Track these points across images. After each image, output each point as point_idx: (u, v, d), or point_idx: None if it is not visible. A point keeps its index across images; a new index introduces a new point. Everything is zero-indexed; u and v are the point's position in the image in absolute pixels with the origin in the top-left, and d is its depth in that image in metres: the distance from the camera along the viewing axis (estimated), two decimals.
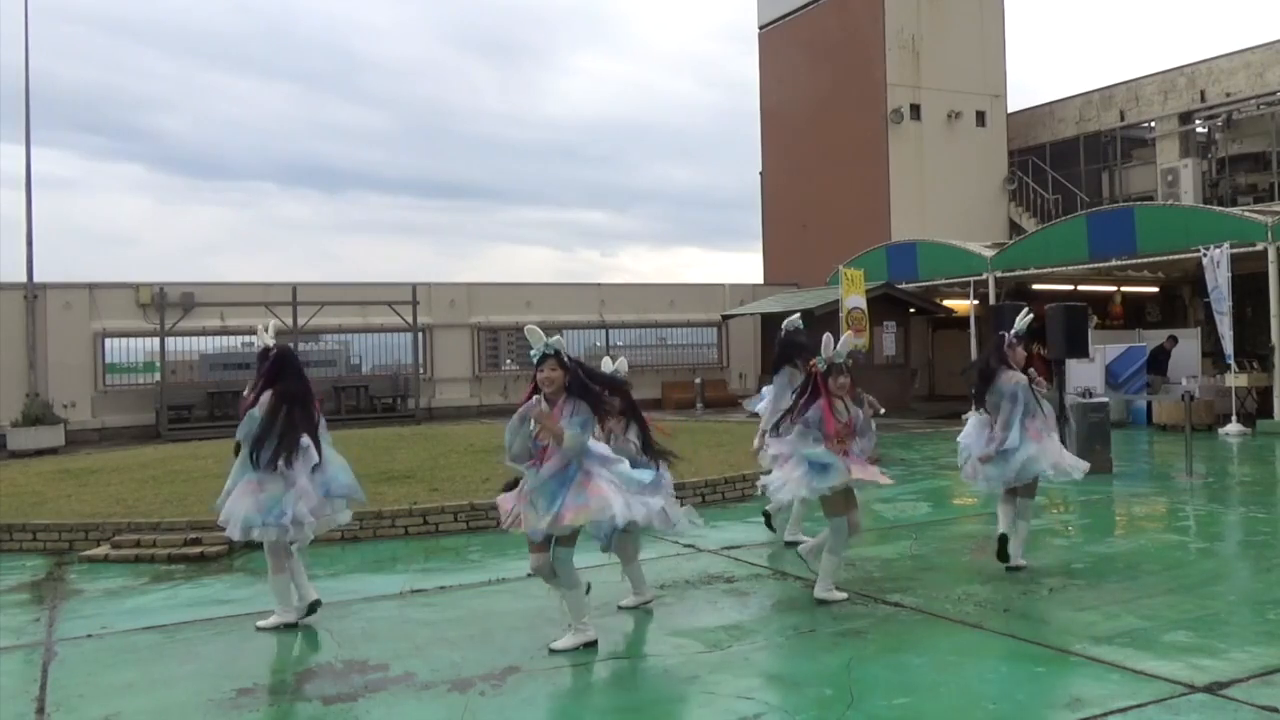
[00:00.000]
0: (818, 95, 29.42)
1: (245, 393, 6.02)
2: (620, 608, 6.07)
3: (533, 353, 5.31)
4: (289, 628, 5.97)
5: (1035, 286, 21.15)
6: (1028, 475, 6.79)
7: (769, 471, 6.64)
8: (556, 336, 5.39)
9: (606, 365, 6.05)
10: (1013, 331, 6.97)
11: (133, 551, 8.26)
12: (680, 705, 4.54)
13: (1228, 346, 15.75)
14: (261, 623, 6.02)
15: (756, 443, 7.71)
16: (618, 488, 5.25)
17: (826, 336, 6.34)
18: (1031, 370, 6.98)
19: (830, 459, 6.05)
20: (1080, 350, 13.27)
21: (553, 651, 5.26)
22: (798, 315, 8.05)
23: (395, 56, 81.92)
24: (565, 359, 5.30)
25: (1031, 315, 7.20)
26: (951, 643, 5.33)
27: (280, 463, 5.77)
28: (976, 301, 20.72)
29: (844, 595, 6.19)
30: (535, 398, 5.26)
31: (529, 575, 5.70)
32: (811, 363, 6.37)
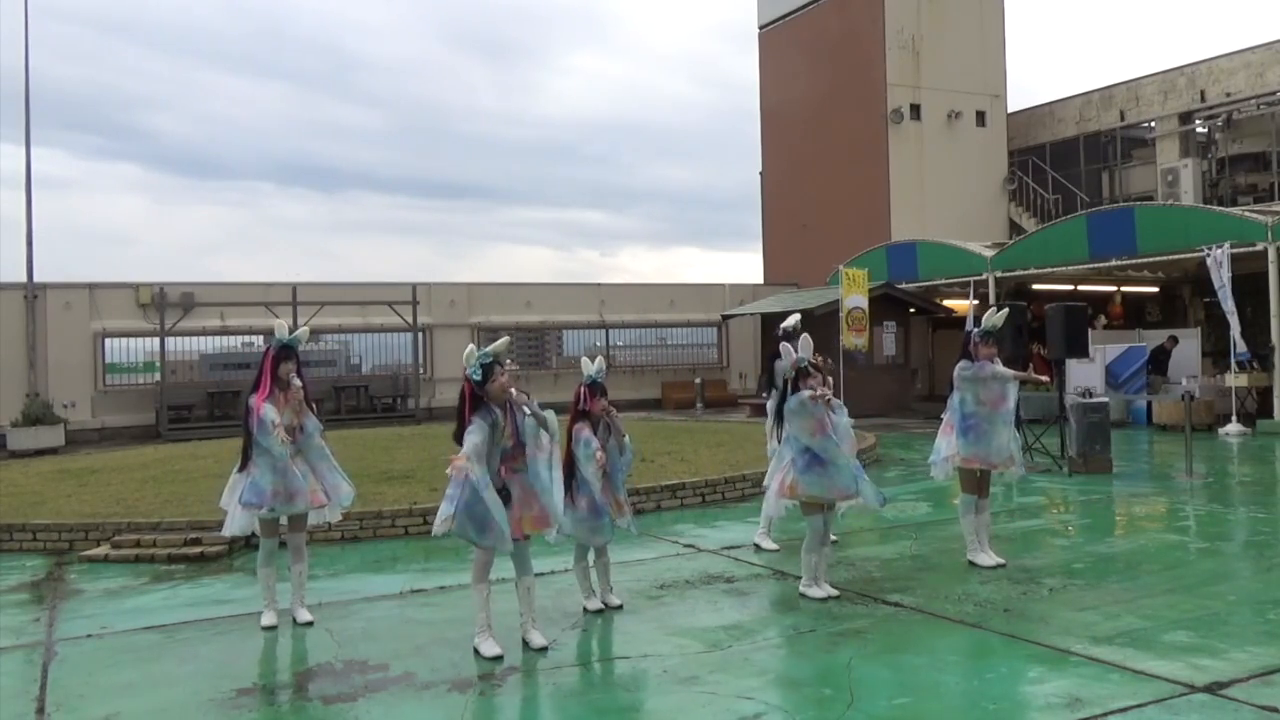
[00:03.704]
0: (818, 95, 29.42)
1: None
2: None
3: (471, 370, 5.28)
4: (287, 628, 5.97)
5: (1035, 286, 21.15)
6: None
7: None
8: (501, 340, 5.50)
9: (585, 365, 6.06)
10: (976, 330, 7.11)
11: (133, 551, 8.25)
12: (680, 705, 4.54)
13: (1240, 345, 15.76)
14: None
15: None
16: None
17: (785, 346, 6.42)
18: (996, 360, 7.08)
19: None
20: (1080, 350, 13.27)
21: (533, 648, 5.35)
22: (797, 316, 8.02)
23: (390, 56, 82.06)
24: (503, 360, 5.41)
25: (1004, 312, 7.30)
26: (951, 643, 5.33)
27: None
28: (976, 301, 20.71)
29: (824, 593, 6.20)
30: (487, 409, 5.26)
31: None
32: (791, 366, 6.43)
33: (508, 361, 5.70)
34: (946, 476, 7.32)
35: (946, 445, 7.15)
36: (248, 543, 7.88)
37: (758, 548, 7.76)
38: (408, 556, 8.07)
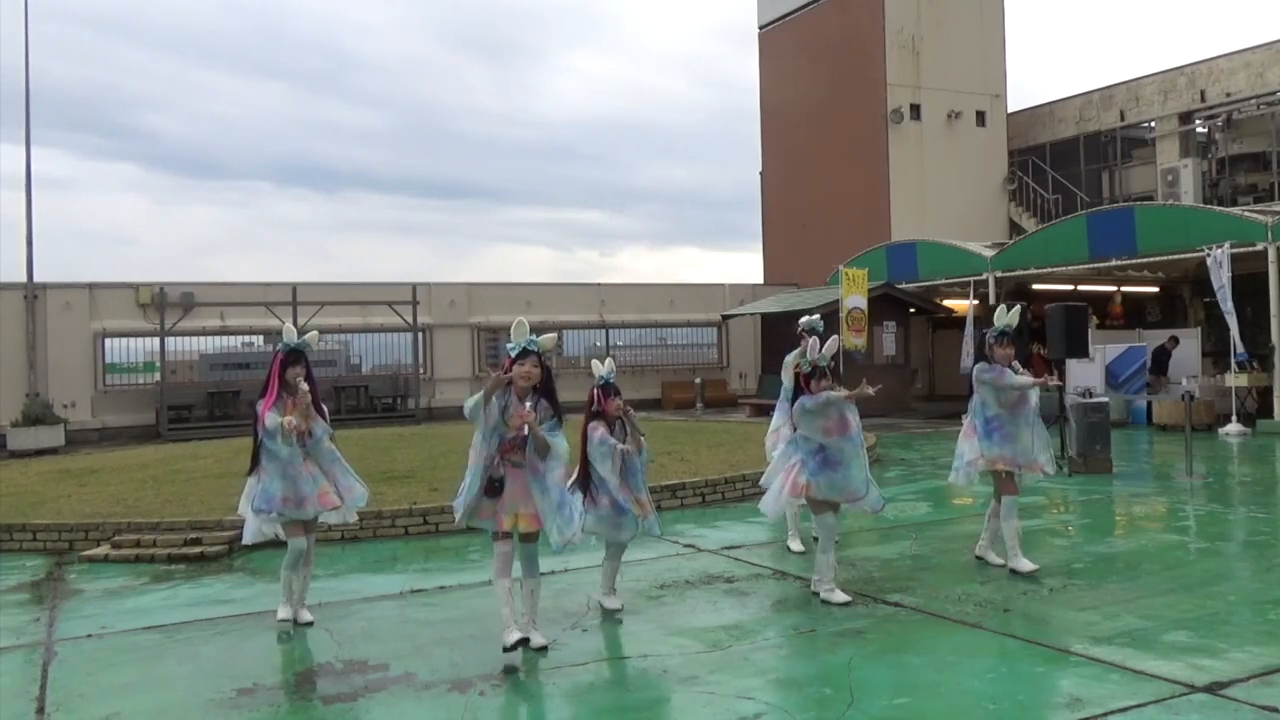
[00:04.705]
0: (818, 95, 29.43)
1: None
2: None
3: (512, 346, 5.28)
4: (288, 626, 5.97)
5: (1035, 286, 21.15)
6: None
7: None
8: (549, 335, 5.42)
9: (596, 367, 6.04)
10: (991, 331, 6.97)
11: (133, 551, 8.26)
12: (680, 705, 4.54)
13: (1239, 345, 15.75)
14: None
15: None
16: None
17: (813, 340, 6.35)
18: (1015, 363, 6.92)
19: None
20: (1080, 350, 13.27)
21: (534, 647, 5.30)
22: (818, 316, 7.94)
23: (388, 55, 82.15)
24: (544, 358, 5.35)
25: (1015, 309, 7.09)
26: (951, 643, 5.32)
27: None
28: (976, 301, 20.73)
29: (847, 598, 6.14)
30: (506, 391, 5.25)
31: None
32: (795, 365, 6.38)
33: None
34: (970, 481, 7.08)
35: (970, 449, 6.93)
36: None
37: (789, 549, 7.74)
38: (408, 556, 8.07)
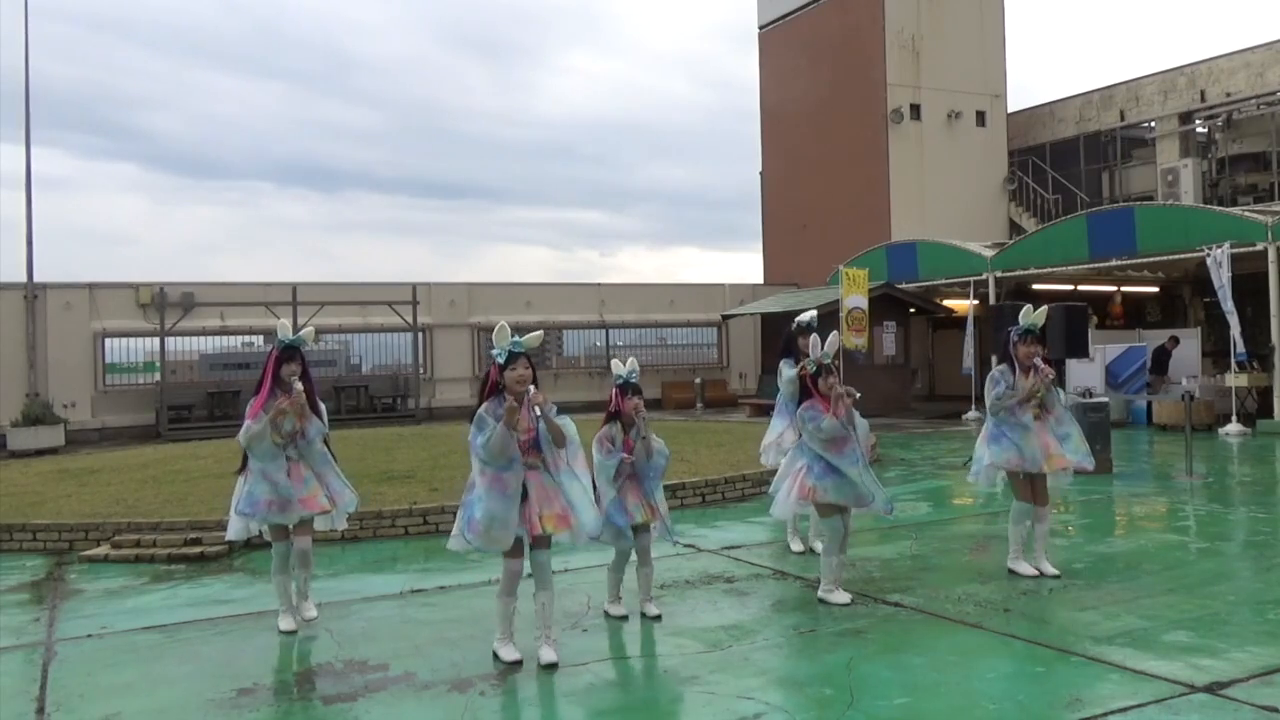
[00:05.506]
0: (818, 95, 29.44)
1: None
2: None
3: (497, 352, 5.15)
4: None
5: (1035, 286, 21.17)
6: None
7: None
8: (534, 334, 5.31)
9: (616, 367, 5.95)
10: (1014, 330, 6.87)
11: (133, 551, 8.26)
12: (680, 705, 4.54)
13: (1239, 345, 15.75)
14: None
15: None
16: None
17: (814, 339, 6.34)
18: (1037, 361, 6.77)
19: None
20: (1080, 350, 13.27)
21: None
22: (813, 312, 7.90)
23: (387, 55, 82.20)
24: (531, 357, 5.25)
25: (1042, 309, 6.93)
26: (951, 643, 5.32)
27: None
28: (976, 301, 20.74)
29: (848, 598, 6.12)
30: (500, 399, 5.10)
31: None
32: (801, 366, 6.36)
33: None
34: (990, 484, 6.99)
35: (987, 453, 6.83)
36: (248, 543, 7.87)
37: (789, 549, 7.70)
38: (408, 556, 8.07)
